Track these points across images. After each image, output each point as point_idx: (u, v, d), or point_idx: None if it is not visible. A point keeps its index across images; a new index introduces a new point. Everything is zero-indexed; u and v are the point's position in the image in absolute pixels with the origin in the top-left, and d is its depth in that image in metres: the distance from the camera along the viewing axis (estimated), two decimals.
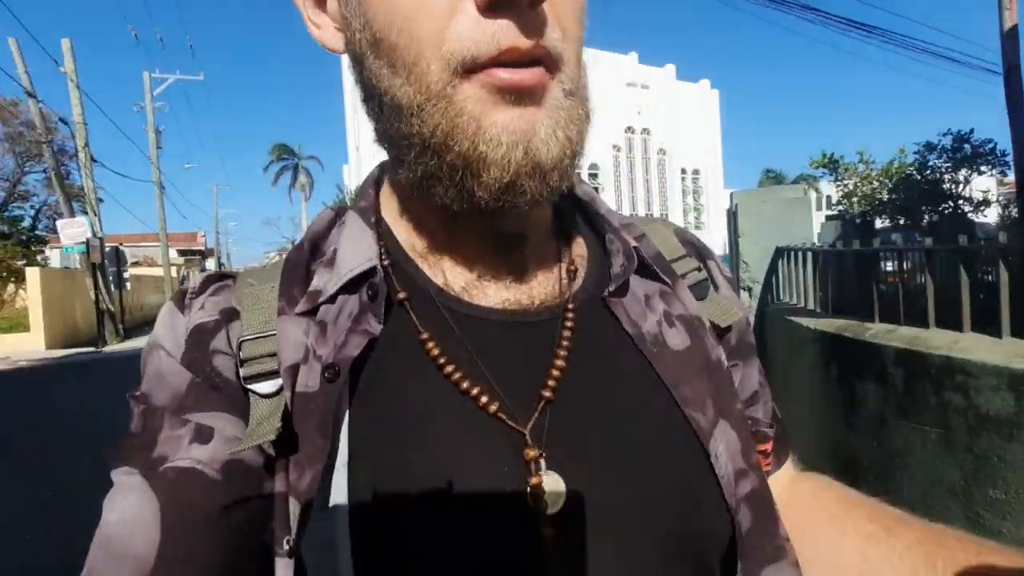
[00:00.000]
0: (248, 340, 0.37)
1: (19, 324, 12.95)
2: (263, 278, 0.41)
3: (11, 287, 16.03)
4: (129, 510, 0.34)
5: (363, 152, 29.31)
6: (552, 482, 0.34)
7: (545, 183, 0.33)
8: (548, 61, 0.32)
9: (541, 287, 0.41)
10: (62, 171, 14.38)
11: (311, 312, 0.38)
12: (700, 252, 0.51)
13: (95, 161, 14.44)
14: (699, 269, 0.48)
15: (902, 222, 6.11)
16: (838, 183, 6.34)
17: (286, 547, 0.33)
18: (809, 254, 3.32)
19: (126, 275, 15.56)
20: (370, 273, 0.38)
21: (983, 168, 5.38)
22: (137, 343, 13.38)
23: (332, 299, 0.38)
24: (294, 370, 0.36)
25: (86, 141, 14.22)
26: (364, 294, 0.38)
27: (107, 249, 14.11)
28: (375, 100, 0.36)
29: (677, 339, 0.42)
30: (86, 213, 14.86)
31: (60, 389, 7.54)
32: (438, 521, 0.33)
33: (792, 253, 3.44)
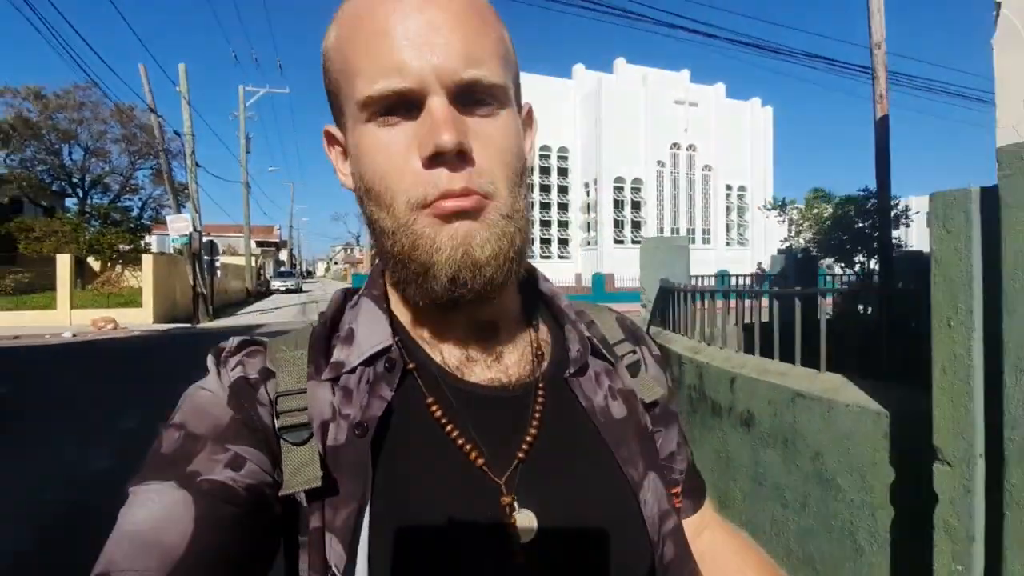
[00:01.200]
0: (283, 396, 0.44)
1: (132, 300, 15.78)
2: (291, 346, 0.48)
3: (118, 267, 18.92)
4: (160, 509, 0.38)
5: None
6: (525, 518, 0.43)
7: (481, 275, 0.42)
8: (482, 195, 0.41)
9: (516, 367, 0.49)
10: (168, 168, 17.10)
11: (335, 379, 0.45)
12: (636, 337, 0.61)
13: (198, 166, 17.24)
14: (633, 352, 0.58)
15: (838, 258, 7.30)
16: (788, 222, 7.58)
17: (328, 574, 0.40)
18: (674, 291, 4.63)
19: (218, 264, 18.36)
20: (387, 350, 0.46)
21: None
22: (224, 322, 15.97)
23: (353, 370, 0.45)
24: (325, 426, 0.43)
25: (193, 149, 17.04)
26: (381, 366, 0.45)
27: (204, 241, 16.84)
28: (371, 226, 0.45)
29: (618, 410, 0.51)
30: (184, 206, 17.68)
31: (175, 350, 9.81)
32: (435, 548, 0.41)
33: (669, 289, 4.72)
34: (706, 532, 0.59)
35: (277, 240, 56.14)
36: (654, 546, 0.47)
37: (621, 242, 30.96)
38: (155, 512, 0.37)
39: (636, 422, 0.52)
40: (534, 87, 36.15)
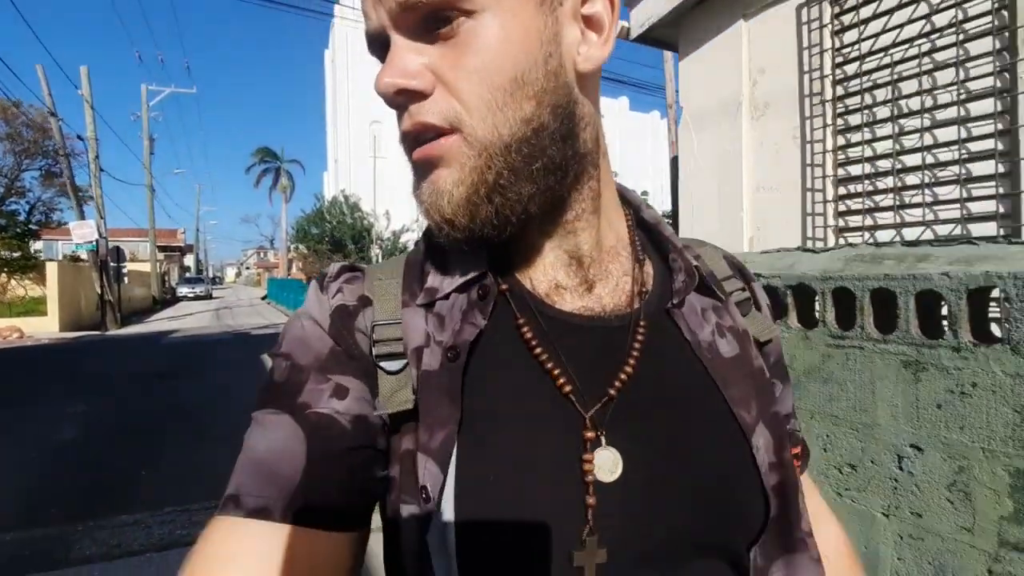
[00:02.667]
0: (379, 325, 0.44)
1: (33, 309, 15.13)
2: (388, 274, 0.48)
3: (3, 276, 17.62)
4: (278, 441, 0.40)
5: (340, 164, 31.64)
6: (610, 456, 0.40)
7: (454, 227, 0.40)
8: (446, 130, 0.38)
9: (610, 297, 0.46)
10: (70, 174, 16.42)
11: (428, 305, 0.45)
12: (744, 275, 0.56)
13: (102, 171, 16.73)
14: (743, 289, 0.53)
15: None
16: None
17: (422, 494, 0.39)
18: None
19: (125, 271, 17.82)
20: (480, 277, 0.44)
21: None
22: (135, 329, 15.66)
23: (446, 296, 0.45)
24: (419, 351, 0.43)
25: (96, 154, 16.52)
26: (474, 293, 0.44)
27: (110, 247, 16.37)
28: None
29: (727, 348, 0.47)
30: (87, 211, 17.04)
31: (85, 358, 9.88)
32: (515, 473, 0.39)
33: None
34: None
35: (182, 244, 53.08)
36: (768, 498, 0.43)
37: None
38: (273, 442, 0.40)
39: (749, 363, 0.47)
40: None
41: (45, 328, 14.41)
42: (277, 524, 0.37)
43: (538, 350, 0.43)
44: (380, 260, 18.79)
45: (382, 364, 0.43)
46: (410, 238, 27.43)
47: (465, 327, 0.43)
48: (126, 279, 18.10)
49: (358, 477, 0.41)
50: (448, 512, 0.38)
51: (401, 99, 0.39)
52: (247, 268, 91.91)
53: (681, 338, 0.46)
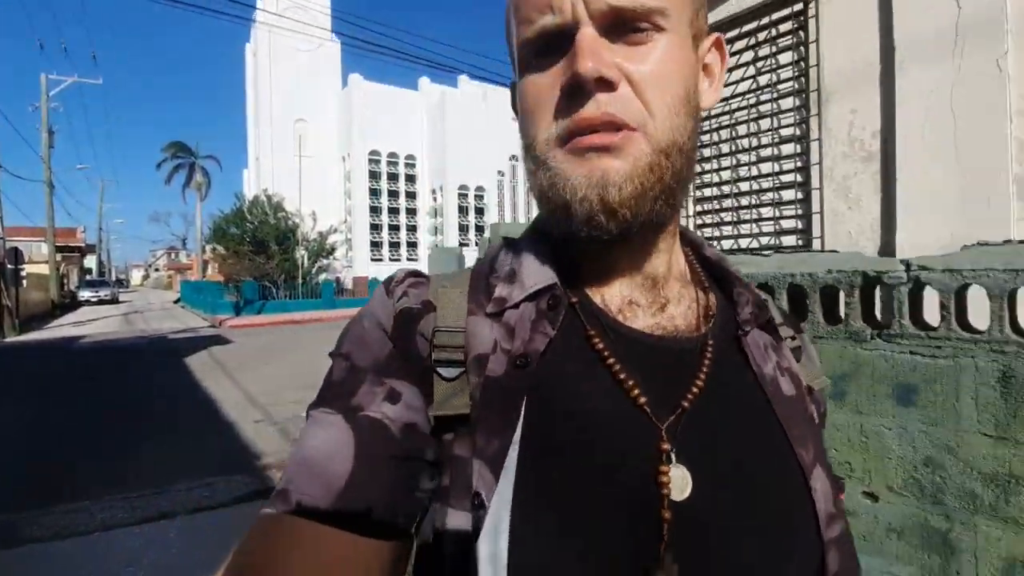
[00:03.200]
0: (441, 331, 0.44)
1: None
2: (453, 283, 0.48)
3: None
4: (329, 441, 0.40)
5: (262, 162, 30.61)
6: (680, 474, 0.39)
7: (615, 218, 0.40)
8: (626, 126, 0.40)
9: (681, 320, 0.47)
10: None
11: (497, 315, 0.45)
12: (794, 324, 0.56)
13: (1, 168, 15.46)
14: (793, 337, 0.54)
15: None
16: None
17: (474, 501, 0.38)
18: None
19: (23, 274, 16.51)
20: (551, 288, 0.45)
21: None
22: (36, 335, 14.64)
23: (516, 306, 0.45)
24: (483, 359, 0.43)
25: None
26: (544, 303, 0.45)
27: (7, 248, 15.16)
28: (526, 170, 0.46)
29: (787, 387, 0.47)
30: None
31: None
32: (583, 485, 0.39)
33: None
34: None
35: (82, 244, 48.93)
36: (824, 544, 0.43)
37: (466, 245, 33.15)
38: (324, 443, 0.40)
39: (804, 406, 0.49)
40: (383, 96, 36.88)
41: None
42: (321, 524, 0.38)
43: (611, 360, 0.42)
44: (305, 262, 17.79)
45: (439, 370, 0.43)
46: (337, 239, 27.03)
47: (535, 336, 0.43)
48: (24, 282, 16.73)
49: (403, 485, 0.40)
50: (504, 520, 0.37)
51: (598, 87, 0.39)
52: (156, 270, 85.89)
53: (747, 368, 0.47)
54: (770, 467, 0.43)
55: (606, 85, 0.39)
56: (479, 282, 0.48)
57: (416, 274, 0.49)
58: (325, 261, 24.50)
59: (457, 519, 0.39)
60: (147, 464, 4.31)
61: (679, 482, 0.40)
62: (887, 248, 2.47)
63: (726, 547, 0.40)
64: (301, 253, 23.15)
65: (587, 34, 0.39)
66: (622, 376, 0.42)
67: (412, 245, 35.60)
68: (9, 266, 15.26)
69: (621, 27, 0.40)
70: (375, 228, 36.99)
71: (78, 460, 4.46)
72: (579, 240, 0.44)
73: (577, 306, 0.46)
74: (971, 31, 2.16)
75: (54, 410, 6.04)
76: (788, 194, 2.92)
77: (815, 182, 2.77)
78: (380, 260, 37.09)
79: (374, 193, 37.10)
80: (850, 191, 2.63)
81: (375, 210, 36.77)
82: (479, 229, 34.44)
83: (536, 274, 0.46)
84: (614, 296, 0.47)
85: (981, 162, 2.17)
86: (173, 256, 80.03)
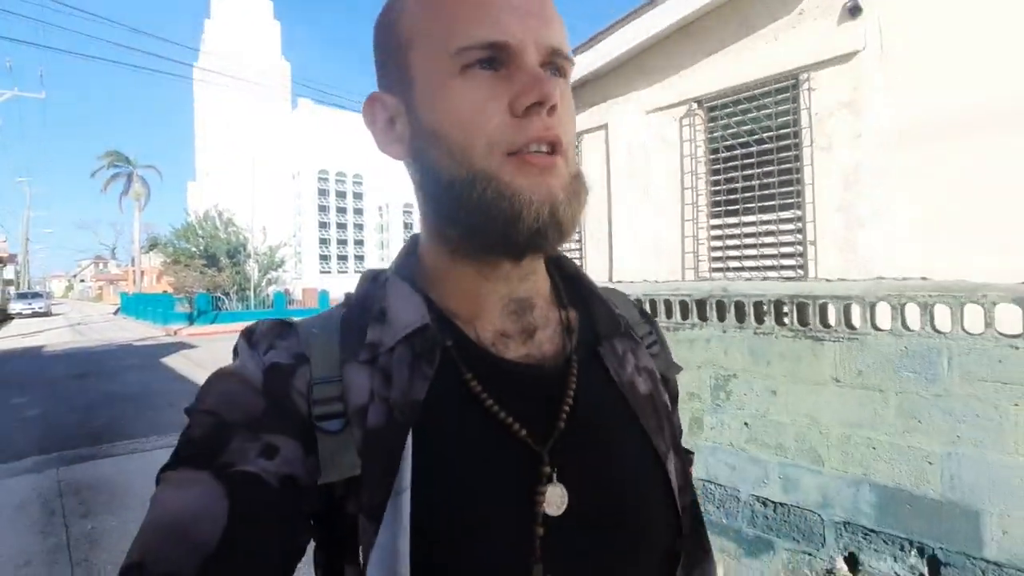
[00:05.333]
0: (318, 384, 0.43)
1: None
2: (323, 328, 0.47)
3: None
4: (193, 501, 0.37)
5: (212, 177, 31.15)
6: (559, 491, 0.43)
7: (560, 234, 0.43)
8: (559, 149, 0.43)
9: (548, 345, 0.50)
10: None
11: (371, 361, 0.45)
12: (648, 318, 0.62)
13: None
14: (650, 332, 0.60)
15: None
16: None
17: (361, 558, 0.39)
18: None
19: None
20: (423, 328, 0.45)
21: None
22: None
23: (391, 350, 0.45)
24: (363, 410, 0.43)
25: None
26: (419, 346, 0.45)
27: None
28: (432, 182, 0.45)
29: (643, 386, 0.52)
30: None
31: None
32: (472, 528, 0.41)
33: None
34: None
35: (3, 255, 46.95)
36: (680, 519, 0.49)
37: None
38: (188, 503, 0.37)
39: (659, 398, 0.53)
40: (332, 118, 38.28)
41: None
42: None
43: (489, 402, 0.44)
44: (256, 274, 19.70)
45: (321, 425, 0.42)
46: (287, 252, 28.16)
47: (414, 384, 0.43)
48: None
49: (282, 542, 0.39)
50: (402, 570, 0.38)
51: (547, 112, 0.42)
52: (81, 280, 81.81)
53: (607, 377, 0.51)
54: (634, 462, 0.49)
55: (553, 110, 0.43)
56: (350, 326, 0.47)
57: (282, 323, 0.48)
58: (275, 273, 25.67)
59: (349, 574, 0.42)
60: (169, 424, 5.95)
61: (556, 499, 0.43)
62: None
63: (596, 548, 0.44)
64: (252, 265, 24.31)
65: (539, 68, 0.43)
66: (501, 415, 0.44)
67: (360, 259, 37.05)
68: None
69: (546, 65, 0.44)
70: (324, 242, 38.30)
71: (112, 424, 6.04)
72: (460, 277, 0.48)
73: (452, 346, 0.46)
74: None
75: (68, 398, 7.41)
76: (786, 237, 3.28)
77: None
78: (328, 272, 38.37)
79: (323, 209, 38.59)
80: None
81: (324, 225, 38.08)
82: None
83: (407, 313, 0.46)
84: (486, 329, 0.48)
85: None
86: (100, 266, 76.69)
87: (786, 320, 2.40)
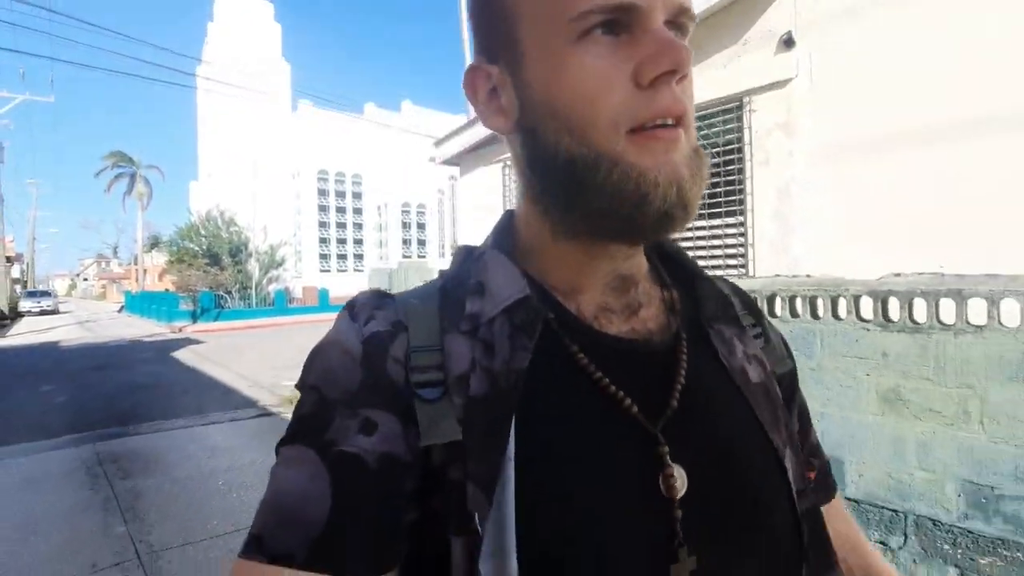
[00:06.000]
0: (417, 351, 0.43)
1: None
2: (422, 300, 0.47)
3: None
4: (302, 481, 0.39)
5: (214, 178, 31.80)
6: (678, 472, 0.41)
7: (687, 216, 0.40)
8: (684, 123, 0.40)
9: (653, 322, 0.48)
10: None
11: (472, 331, 0.44)
12: (755, 310, 0.57)
13: None
14: (755, 325, 0.55)
15: None
16: None
17: (471, 524, 0.38)
18: None
19: None
20: (524, 300, 0.44)
21: None
22: (10, 342, 15.91)
23: (491, 321, 0.44)
24: (464, 379, 0.42)
25: None
26: (519, 317, 0.43)
27: None
28: (547, 161, 0.42)
29: (754, 374, 0.49)
30: None
31: None
32: (586, 496, 0.39)
33: None
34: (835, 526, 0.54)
35: (11, 254, 47.60)
36: (799, 521, 0.45)
37: (408, 257, 35.61)
38: (298, 484, 0.39)
39: (772, 390, 0.50)
40: (331, 120, 39.06)
41: None
42: (300, 572, 0.36)
43: (597, 374, 0.43)
44: (258, 273, 20.36)
45: (420, 392, 0.42)
46: (287, 251, 28.77)
47: (516, 353, 0.42)
48: None
49: (386, 521, 0.39)
50: (509, 540, 0.37)
51: (675, 79, 0.39)
52: (84, 279, 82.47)
53: (717, 360, 0.48)
54: (750, 453, 0.45)
55: (683, 79, 0.39)
56: (450, 297, 0.47)
57: (381, 294, 0.48)
58: (275, 272, 26.32)
59: (460, 544, 0.39)
60: (187, 407, 6.65)
61: (679, 481, 0.41)
62: None
63: (725, 533, 0.42)
64: (253, 265, 24.95)
65: (667, 31, 0.39)
66: (611, 389, 0.42)
67: (359, 257, 37.77)
68: None
69: (671, 26, 0.40)
70: (323, 241, 39.03)
71: (135, 408, 6.71)
72: (563, 252, 0.46)
73: (553, 319, 0.45)
74: None
75: (91, 387, 8.11)
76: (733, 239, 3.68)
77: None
78: (328, 271, 38.97)
79: (323, 209, 39.29)
80: None
81: (323, 224, 38.81)
82: (421, 243, 37.03)
83: (507, 286, 0.45)
84: (588, 304, 0.47)
85: None
86: (103, 265, 77.28)
87: None
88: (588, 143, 0.40)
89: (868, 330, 2.44)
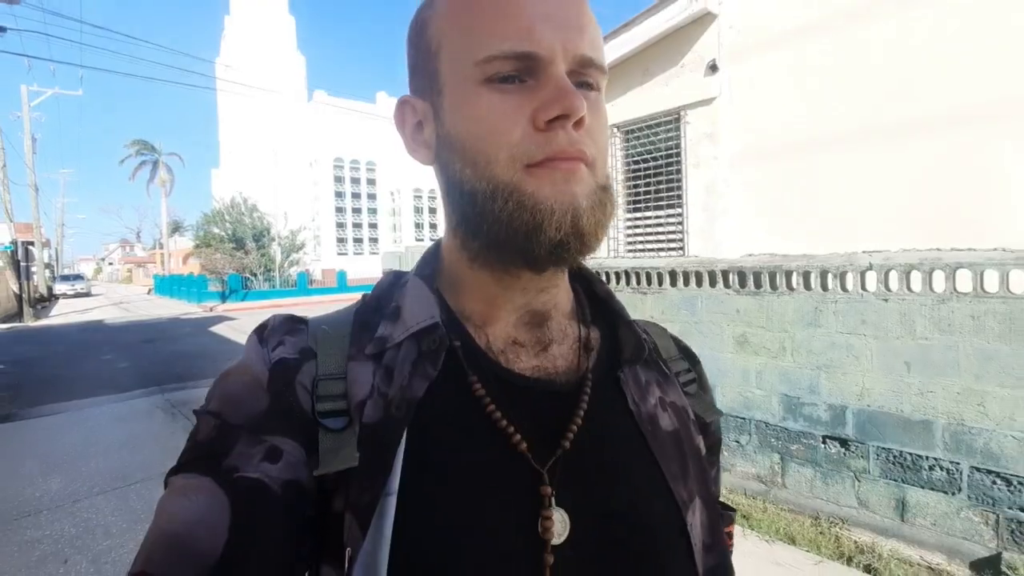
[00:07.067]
0: (323, 379, 0.43)
1: None
2: (334, 326, 0.47)
3: None
4: (196, 510, 0.36)
5: (236, 166, 33.08)
6: (560, 517, 0.40)
7: (583, 247, 0.41)
8: (587, 161, 0.41)
9: (562, 360, 0.47)
10: None
11: (377, 356, 0.44)
12: (690, 357, 0.59)
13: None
14: (689, 371, 0.56)
15: None
16: None
17: (347, 557, 0.37)
18: None
19: (33, 269, 19.17)
20: (433, 328, 0.44)
21: None
22: (49, 321, 17.23)
23: (397, 346, 0.44)
24: (362, 405, 0.42)
25: (4, 162, 17.90)
26: (425, 344, 0.44)
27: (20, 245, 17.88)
28: (456, 193, 0.43)
29: (667, 422, 0.48)
30: None
31: (54, 340, 12.31)
32: (464, 533, 0.39)
33: None
34: None
35: (44, 240, 49.62)
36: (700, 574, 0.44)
37: (421, 240, 36.81)
38: (191, 512, 0.37)
39: (688, 440, 0.49)
40: (345, 109, 40.13)
41: None
42: None
43: (491, 407, 0.42)
44: (279, 256, 21.84)
45: (324, 422, 0.41)
46: (306, 236, 30.05)
47: (415, 380, 0.42)
48: (35, 276, 19.35)
49: (285, 551, 0.38)
50: (381, 572, 0.37)
51: (574, 127, 0.40)
52: (110, 263, 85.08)
53: (625, 406, 0.47)
54: (644, 504, 0.44)
55: (580, 124, 0.41)
56: (362, 322, 0.47)
57: (294, 319, 0.48)
58: (296, 255, 27.62)
59: (328, 574, 0.39)
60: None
61: (559, 526, 0.40)
62: None
63: None
64: (276, 248, 26.25)
65: (568, 80, 0.40)
66: (503, 423, 0.42)
67: (374, 241, 39.11)
68: (22, 263, 17.94)
69: (579, 76, 0.42)
70: (340, 226, 40.44)
71: (189, 370, 7.88)
72: (478, 283, 0.46)
73: (459, 348, 0.45)
74: None
75: (146, 355, 9.33)
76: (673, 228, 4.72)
77: None
78: (345, 254, 40.55)
79: (339, 195, 40.59)
80: None
81: (340, 210, 40.16)
82: (433, 227, 38.21)
83: (419, 312, 0.45)
84: (498, 336, 0.47)
85: None
86: (127, 249, 79.57)
87: (632, 283, 4.09)
88: (487, 176, 0.41)
89: (729, 295, 3.49)
